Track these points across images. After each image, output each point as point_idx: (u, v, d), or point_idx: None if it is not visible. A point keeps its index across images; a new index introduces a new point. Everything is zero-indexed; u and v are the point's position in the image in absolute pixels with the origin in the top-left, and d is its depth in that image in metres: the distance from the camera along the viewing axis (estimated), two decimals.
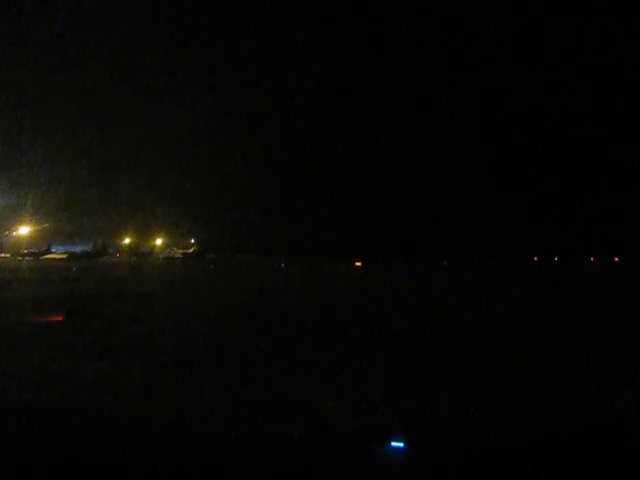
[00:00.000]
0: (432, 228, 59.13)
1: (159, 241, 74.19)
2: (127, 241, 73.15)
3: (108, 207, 66.35)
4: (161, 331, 11.96)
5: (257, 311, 15.84)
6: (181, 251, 67.98)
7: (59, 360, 8.71)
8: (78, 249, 66.08)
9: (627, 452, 4.22)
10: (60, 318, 14.01)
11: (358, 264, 52.43)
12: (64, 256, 59.77)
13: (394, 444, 4.32)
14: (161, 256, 64.81)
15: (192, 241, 69.36)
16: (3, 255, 60.57)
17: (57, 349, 9.68)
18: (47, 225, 61.71)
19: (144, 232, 70.39)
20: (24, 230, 63.56)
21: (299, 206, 56.83)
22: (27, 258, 58.22)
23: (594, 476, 3.91)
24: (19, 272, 35.82)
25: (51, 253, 61.51)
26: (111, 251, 70.41)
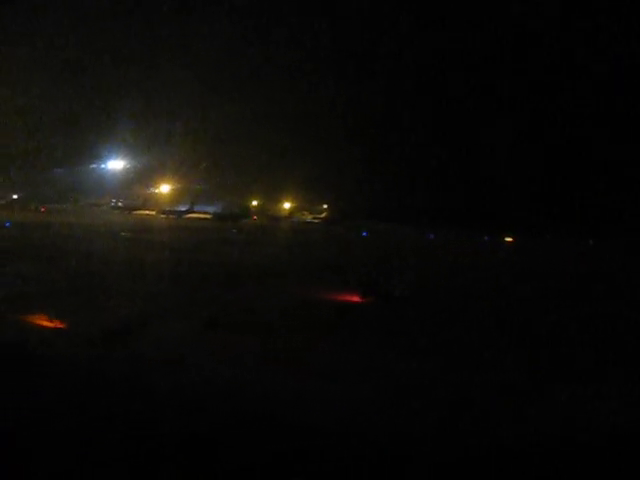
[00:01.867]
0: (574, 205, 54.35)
1: (287, 204, 73.91)
2: (255, 203, 73.46)
3: (240, 169, 66.72)
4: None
5: None
6: (312, 216, 67.72)
7: None
8: (211, 209, 67.63)
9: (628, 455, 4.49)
10: (354, 298, 13.32)
11: (509, 239, 49.79)
12: (207, 216, 61.27)
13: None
14: (294, 220, 64.69)
15: (324, 206, 68.59)
16: (147, 212, 63.38)
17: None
18: (184, 184, 63.57)
19: (270, 194, 70.39)
20: (165, 188, 66.02)
21: (436, 175, 54.17)
22: (170, 216, 60.39)
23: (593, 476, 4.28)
24: (195, 232, 36.54)
25: (194, 212, 63.21)
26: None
